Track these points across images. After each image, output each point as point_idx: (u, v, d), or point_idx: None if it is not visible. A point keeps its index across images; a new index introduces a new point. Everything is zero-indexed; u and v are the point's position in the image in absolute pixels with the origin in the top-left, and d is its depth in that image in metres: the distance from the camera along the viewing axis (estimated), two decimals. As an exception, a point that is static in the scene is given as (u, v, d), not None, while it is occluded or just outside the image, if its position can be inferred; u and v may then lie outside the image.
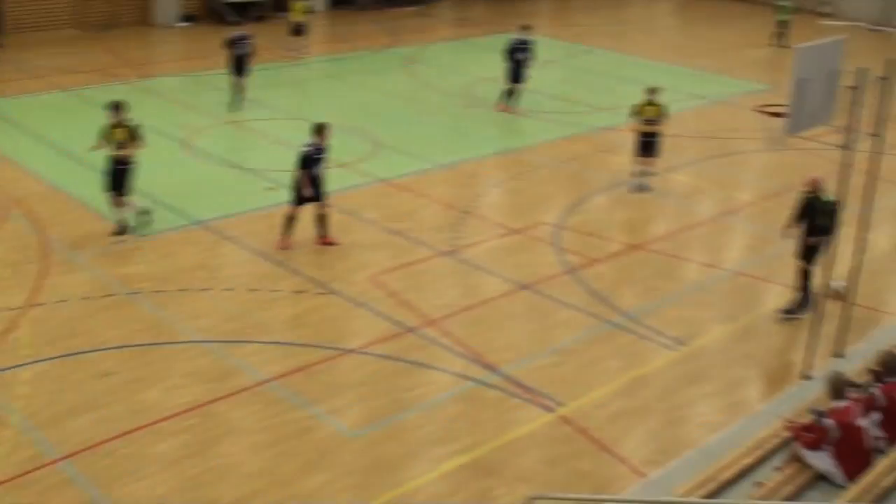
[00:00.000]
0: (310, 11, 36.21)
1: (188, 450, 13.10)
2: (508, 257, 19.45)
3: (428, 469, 13.08)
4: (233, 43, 28.04)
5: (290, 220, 19.33)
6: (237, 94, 28.33)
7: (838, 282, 16.52)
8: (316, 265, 18.73)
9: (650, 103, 23.01)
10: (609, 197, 23.13)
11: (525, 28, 29.51)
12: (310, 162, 19.15)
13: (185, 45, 36.88)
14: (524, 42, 29.11)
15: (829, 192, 17.16)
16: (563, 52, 38.31)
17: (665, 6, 51.49)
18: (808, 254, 17.27)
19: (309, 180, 19.11)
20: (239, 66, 28.11)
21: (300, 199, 19.26)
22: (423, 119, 28.61)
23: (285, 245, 19.31)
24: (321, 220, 19.53)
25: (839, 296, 16.32)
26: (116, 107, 19.27)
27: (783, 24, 40.95)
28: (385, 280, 18.26)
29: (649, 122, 23.03)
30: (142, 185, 21.71)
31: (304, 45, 35.51)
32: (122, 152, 19.22)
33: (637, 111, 23.20)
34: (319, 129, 19.39)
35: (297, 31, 35.23)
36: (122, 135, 19.20)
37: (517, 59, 29.06)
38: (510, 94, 29.45)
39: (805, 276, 17.37)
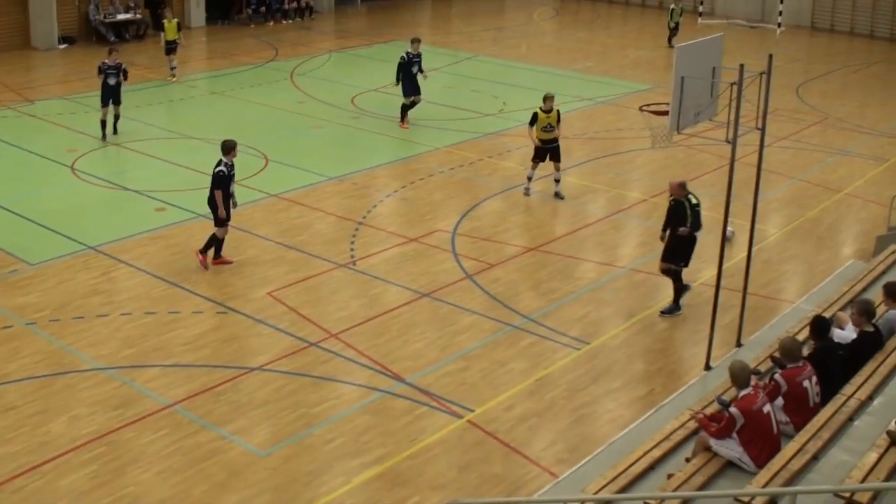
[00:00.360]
0: (181, 29, 34.78)
1: (97, 480, 12.88)
2: (407, 266, 19.48)
3: (341, 483, 13.04)
4: (102, 71, 26.74)
5: (220, 242, 19.33)
6: (111, 122, 27.11)
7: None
8: (213, 284, 18.56)
9: (547, 110, 22.99)
10: (502, 201, 23.28)
11: (416, 41, 29.27)
12: (225, 181, 19.04)
13: (65, 67, 36.20)
14: (418, 55, 28.87)
15: (692, 193, 17.80)
16: (446, 60, 38.44)
17: (542, 11, 51.99)
18: (684, 255, 17.67)
19: (225, 200, 19.03)
20: (112, 94, 26.84)
21: (222, 220, 19.13)
22: (311, 132, 28.51)
23: (205, 264, 19.28)
24: (219, 240, 19.43)
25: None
26: None
27: (676, 27, 41.24)
28: (284, 295, 18.17)
29: (548, 129, 23.09)
30: (31, 212, 21.43)
31: (176, 65, 34.44)
32: None
33: (535, 119, 23.12)
34: (230, 148, 19.17)
35: (172, 49, 34.01)
36: None
37: (414, 72, 28.80)
38: (409, 108, 29.13)
39: (679, 276, 17.80)
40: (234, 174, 19.27)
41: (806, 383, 12.05)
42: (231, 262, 19.37)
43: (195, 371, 15.58)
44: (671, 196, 17.74)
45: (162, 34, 34.59)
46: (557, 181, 23.45)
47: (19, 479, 12.85)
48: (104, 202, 22.66)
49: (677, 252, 17.62)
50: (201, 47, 40.59)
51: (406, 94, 28.95)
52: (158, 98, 31.47)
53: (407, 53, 28.78)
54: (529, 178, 23.54)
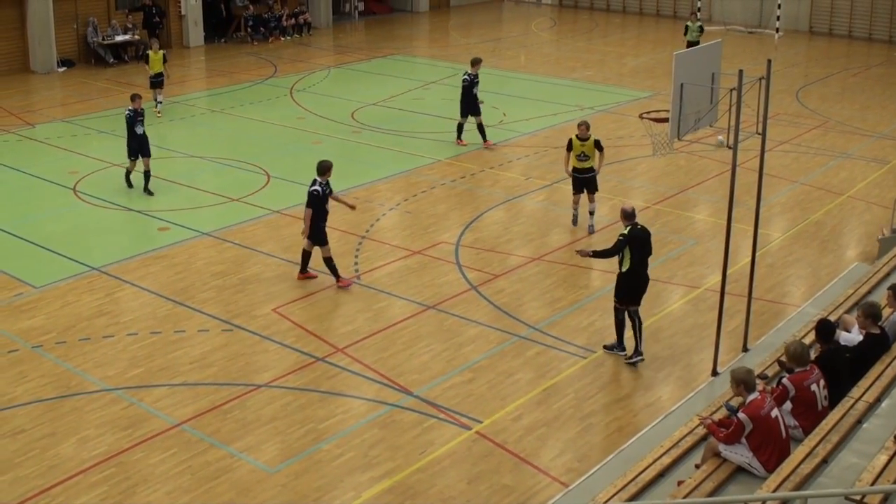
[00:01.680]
0: (167, 61, 32.10)
1: (108, 501, 12.87)
2: (411, 279, 19.49)
3: (351, 498, 13.04)
4: (131, 119, 24.16)
5: (331, 261, 19.26)
6: (138, 177, 24.57)
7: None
8: (218, 302, 18.56)
9: (582, 138, 21.73)
10: (504, 212, 23.30)
11: (478, 62, 28.34)
12: (319, 201, 19.00)
13: (65, 90, 36.25)
14: (477, 76, 28.08)
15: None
16: (445, 72, 38.48)
17: (540, 21, 52.10)
18: (619, 292, 16.51)
19: (318, 219, 19.05)
20: (142, 145, 24.29)
21: (316, 237, 19.13)
22: (312, 147, 28.49)
23: (346, 283, 19.32)
24: (307, 256, 19.46)
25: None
26: None
27: (694, 45, 39.31)
28: (289, 311, 18.18)
29: (582, 157, 21.78)
30: (34, 235, 21.46)
31: (162, 100, 32.26)
32: None
33: (570, 145, 21.80)
34: (326, 168, 19.31)
35: (158, 83, 31.77)
36: None
37: (475, 93, 28.03)
38: (481, 127, 28.39)
39: (617, 313, 16.57)
40: (329, 192, 19.40)
41: (814, 387, 12.03)
42: (315, 277, 19.53)
43: (202, 389, 15.58)
44: (628, 224, 16.38)
45: (146, 66, 32.06)
46: (591, 213, 22.18)
47: (29, 502, 12.85)
48: (107, 223, 22.68)
49: (617, 287, 16.56)
50: (200, 66, 40.65)
51: (463, 114, 28.29)
52: (159, 118, 31.48)
53: (469, 75, 27.93)
54: (574, 212, 22.46)
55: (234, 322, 17.80)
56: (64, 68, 39.13)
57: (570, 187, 22.17)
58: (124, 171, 24.83)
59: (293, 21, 46.54)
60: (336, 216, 22.69)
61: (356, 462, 13.76)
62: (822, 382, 12.16)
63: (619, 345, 16.63)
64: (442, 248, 20.95)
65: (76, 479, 13.31)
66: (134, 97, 24.82)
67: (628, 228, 16.23)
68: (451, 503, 12.93)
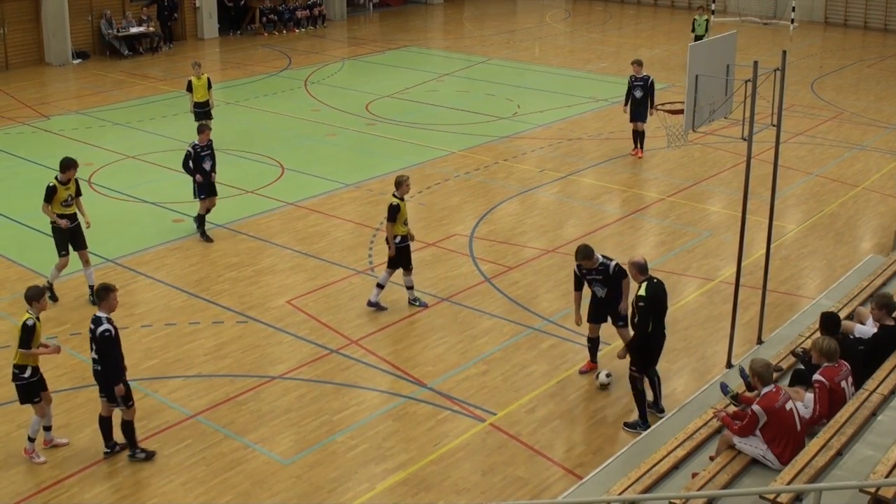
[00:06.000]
0: (211, 86, 27.35)
1: (122, 492, 12.93)
2: (425, 271, 19.45)
3: (365, 490, 13.05)
4: (194, 157, 20.97)
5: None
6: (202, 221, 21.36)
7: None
8: (232, 294, 18.58)
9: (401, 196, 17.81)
10: (518, 204, 23.27)
11: (636, 63, 26.39)
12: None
13: (80, 82, 36.33)
14: (642, 80, 26.05)
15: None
16: (459, 64, 38.50)
17: (554, 13, 52.00)
18: (659, 353, 14.61)
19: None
20: (209, 185, 21.13)
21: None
22: (326, 139, 28.55)
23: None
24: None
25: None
26: None
27: (700, 39, 38.81)
28: (303, 303, 18.19)
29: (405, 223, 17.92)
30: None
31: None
32: None
33: (396, 211, 17.58)
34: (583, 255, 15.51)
35: (204, 114, 26.85)
36: None
37: (638, 97, 26.02)
38: (637, 135, 26.55)
39: (635, 383, 14.43)
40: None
41: (843, 383, 12.01)
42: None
43: (217, 381, 15.61)
44: (643, 279, 14.13)
45: (189, 95, 27.20)
46: (410, 288, 18.26)
47: (44, 493, 12.92)
48: (122, 215, 22.72)
49: (634, 354, 14.37)
50: (214, 58, 40.67)
51: (631, 117, 26.42)
52: (173, 110, 31.52)
53: (631, 77, 26.31)
54: (381, 287, 18.04)
55: (248, 314, 17.82)
56: (79, 60, 39.25)
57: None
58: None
59: (307, 13, 46.56)
60: (350, 209, 22.76)
61: (370, 454, 13.78)
62: (850, 379, 12.16)
63: (643, 422, 14.33)
64: (456, 241, 20.93)
65: (90, 471, 13.36)
66: (201, 128, 21.50)
67: (645, 287, 13.92)
68: (464, 495, 12.94)
